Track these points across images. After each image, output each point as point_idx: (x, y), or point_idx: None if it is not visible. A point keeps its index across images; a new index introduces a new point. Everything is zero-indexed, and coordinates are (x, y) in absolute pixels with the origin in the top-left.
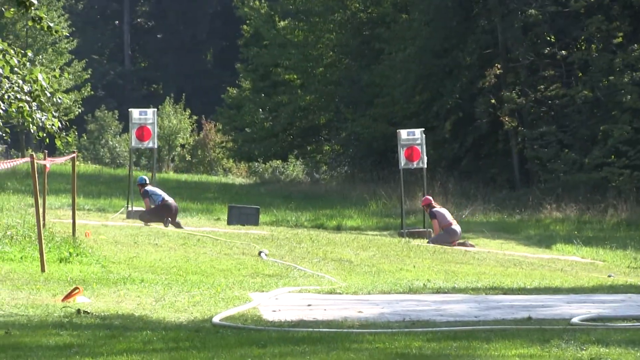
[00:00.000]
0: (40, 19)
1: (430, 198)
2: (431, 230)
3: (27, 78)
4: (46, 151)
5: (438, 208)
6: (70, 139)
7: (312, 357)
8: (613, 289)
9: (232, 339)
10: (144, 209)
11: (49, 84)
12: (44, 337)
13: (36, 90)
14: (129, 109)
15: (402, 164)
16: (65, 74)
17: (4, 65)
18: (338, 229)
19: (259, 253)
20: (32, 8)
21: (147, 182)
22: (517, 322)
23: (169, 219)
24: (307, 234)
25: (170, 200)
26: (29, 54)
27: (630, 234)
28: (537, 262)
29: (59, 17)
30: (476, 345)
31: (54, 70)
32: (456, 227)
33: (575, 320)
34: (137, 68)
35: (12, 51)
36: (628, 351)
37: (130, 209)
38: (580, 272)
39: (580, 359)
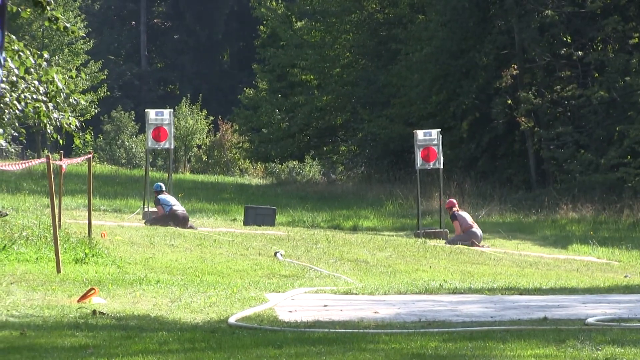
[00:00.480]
0: (57, 19)
1: (455, 201)
2: (447, 230)
3: (43, 79)
4: (62, 152)
5: (460, 211)
6: (88, 137)
7: (328, 358)
8: (629, 290)
9: (248, 340)
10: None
11: (65, 84)
12: (60, 338)
13: (52, 90)
14: (146, 110)
15: (419, 165)
16: (82, 75)
17: (19, 66)
18: (354, 229)
19: (275, 254)
20: (49, 8)
21: (163, 189)
22: (533, 322)
23: (177, 226)
24: (324, 234)
25: (179, 209)
26: (45, 55)
27: None
28: (552, 263)
29: (75, 17)
30: (492, 346)
31: (70, 70)
32: (477, 230)
33: (590, 320)
34: (154, 69)
35: (27, 52)
36: None
37: (146, 209)
38: (596, 272)
39: (596, 359)
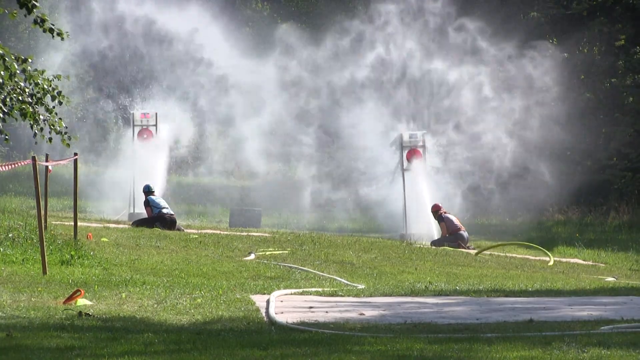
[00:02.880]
0: (43, 21)
1: (440, 204)
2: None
3: (29, 80)
4: (48, 154)
5: (447, 214)
6: (76, 138)
7: (313, 359)
8: (614, 292)
9: (233, 341)
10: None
11: (50, 86)
12: (46, 339)
13: (38, 92)
14: (132, 111)
15: (405, 166)
16: (67, 76)
17: (4, 71)
18: (340, 231)
19: (249, 253)
20: (35, 11)
21: (152, 190)
22: (518, 324)
23: (164, 228)
24: (309, 236)
25: (168, 212)
26: (29, 60)
27: (632, 236)
28: (538, 265)
29: (61, 19)
30: (477, 348)
31: (56, 73)
32: (464, 232)
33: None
34: None
35: (12, 56)
36: (629, 353)
37: (132, 211)
38: (581, 274)
39: None
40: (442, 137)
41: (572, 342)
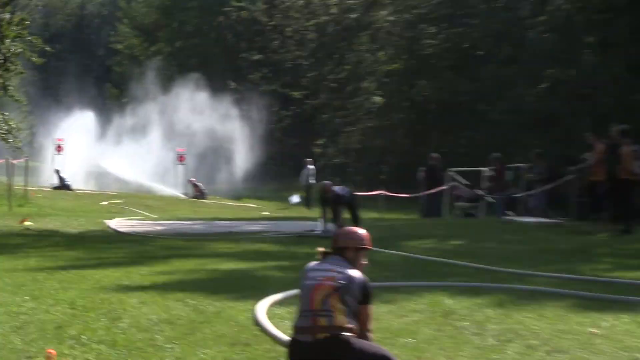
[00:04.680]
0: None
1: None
2: None
3: None
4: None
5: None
6: (19, 142)
7: None
8: (266, 219)
9: (97, 240)
10: None
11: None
12: (10, 239)
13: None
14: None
15: None
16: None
17: None
18: None
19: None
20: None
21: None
22: (224, 234)
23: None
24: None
25: (67, 183)
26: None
27: None
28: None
29: (35, 40)
30: (205, 244)
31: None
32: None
33: None
34: None
35: None
36: (274, 246)
37: (54, 183)
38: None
39: None
40: None
41: (248, 239)
